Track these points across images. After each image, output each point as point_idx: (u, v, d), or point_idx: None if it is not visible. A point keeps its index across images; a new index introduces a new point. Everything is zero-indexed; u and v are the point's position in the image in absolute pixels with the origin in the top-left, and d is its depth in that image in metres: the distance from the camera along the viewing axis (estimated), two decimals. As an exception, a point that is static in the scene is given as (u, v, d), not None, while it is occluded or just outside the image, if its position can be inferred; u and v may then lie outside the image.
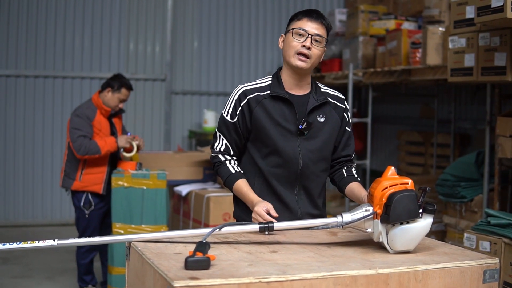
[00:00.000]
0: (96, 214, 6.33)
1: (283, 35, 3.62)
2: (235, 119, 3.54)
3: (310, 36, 3.45)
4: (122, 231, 5.95)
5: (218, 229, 2.92)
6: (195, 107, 10.70)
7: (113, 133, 6.38)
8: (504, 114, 5.98)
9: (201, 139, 9.99)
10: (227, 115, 3.57)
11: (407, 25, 8.33)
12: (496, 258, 2.83)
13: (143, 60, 10.36)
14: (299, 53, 3.46)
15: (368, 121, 8.77)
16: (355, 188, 3.58)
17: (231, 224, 2.99)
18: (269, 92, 3.52)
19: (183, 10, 10.57)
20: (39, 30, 9.67)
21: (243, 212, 3.63)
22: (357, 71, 8.41)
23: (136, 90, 10.22)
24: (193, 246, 2.60)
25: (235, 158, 3.66)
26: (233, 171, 3.59)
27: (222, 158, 3.62)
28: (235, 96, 3.56)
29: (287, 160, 3.50)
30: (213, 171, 7.43)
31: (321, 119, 3.56)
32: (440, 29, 7.14)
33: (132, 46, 10.26)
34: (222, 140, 3.61)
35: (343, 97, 3.74)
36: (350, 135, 3.74)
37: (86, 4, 9.90)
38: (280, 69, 3.65)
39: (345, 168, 3.72)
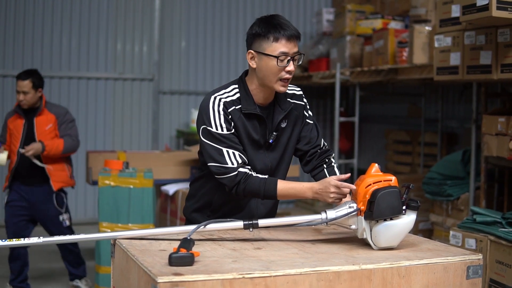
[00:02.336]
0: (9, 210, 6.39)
1: (252, 52, 3.33)
2: (232, 130, 3.32)
3: (291, 58, 3.29)
4: (109, 230, 5.93)
5: (202, 226, 2.92)
6: (182, 106, 10.68)
7: (29, 133, 6.27)
8: (490, 112, 6.00)
9: (189, 138, 9.97)
10: (221, 129, 3.28)
11: (394, 25, 8.36)
12: (480, 254, 2.85)
13: (131, 60, 10.34)
14: (284, 79, 3.31)
15: (356, 120, 8.79)
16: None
17: (216, 221, 3.00)
18: (241, 106, 3.35)
19: (171, 10, 10.56)
20: (27, 29, 9.64)
21: (200, 215, 3.56)
22: (344, 70, 8.43)
23: (124, 89, 10.23)
24: (177, 243, 2.60)
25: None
26: (264, 177, 3.30)
27: (246, 170, 3.28)
28: (218, 108, 3.31)
29: (259, 172, 3.37)
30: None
31: (283, 125, 3.47)
32: (427, 28, 7.17)
33: (119, 45, 10.24)
34: (233, 153, 3.27)
35: (300, 92, 3.63)
36: (313, 127, 3.65)
37: (74, 4, 9.87)
38: (245, 75, 3.47)
39: (325, 165, 3.65)
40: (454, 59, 5.70)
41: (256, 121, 3.37)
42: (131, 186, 5.99)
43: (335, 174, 3.57)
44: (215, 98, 3.33)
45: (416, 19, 7.57)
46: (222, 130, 3.28)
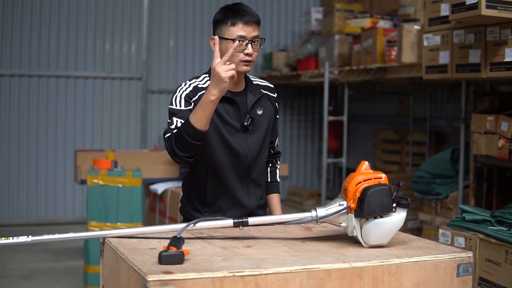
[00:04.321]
0: None
1: (214, 37, 3.43)
2: (190, 107, 3.44)
3: (249, 42, 3.45)
4: (97, 230, 5.89)
5: (192, 224, 2.91)
6: (171, 106, 10.64)
7: None
8: (478, 111, 6.01)
9: (178, 138, 9.94)
10: (180, 106, 3.46)
11: (383, 24, 8.37)
12: (470, 252, 2.84)
13: (119, 59, 10.32)
14: (244, 61, 3.46)
15: (344, 119, 8.80)
16: (272, 204, 3.90)
17: (205, 219, 2.99)
18: None
19: (159, 9, 10.55)
20: (15, 28, 9.60)
21: (196, 211, 3.67)
22: (333, 70, 8.43)
23: (112, 89, 10.21)
24: (167, 241, 2.59)
25: None
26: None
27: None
28: (185, 90, 3.51)
29: (237, 156, 3.55)
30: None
31: (259, 112, 3.65)
32: (415, 27, 7.17)
33: (108, 44, 10.22)
34: (180, 122, 3.38)
35: (272, 86, 3.85)
36: (277, 122, 3.91)
37: (62, 3, 9.84)
38: None
39: (270, 165, 3.92)
40: (443, 57, 5.71)
41: (228, 104, 3.53)
42: (120, 185, 5.97)
43: (275, 177, 3.93)
44: (186, 83, 3.57)
45: (405, 18, 7.57)
46: (180, 106, 3.46)
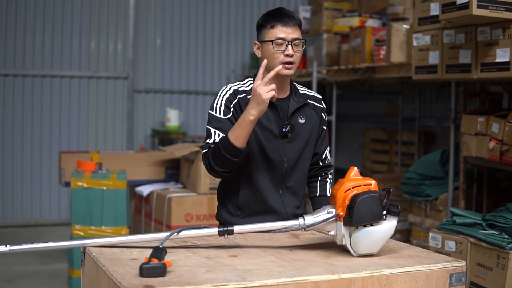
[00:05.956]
0: None
1: (257, 42, 3.55)
2: (229, 115, 3.45)
3: (289, 43, 3.42)
4: (82, 233, 5.83)
5: (176, 233, 2.82)
6: (158, 105, 10.59)
7: None
8: (469, 112, 5.96)
9: (164, 137, 9.90)
10: (219, 113, 3.46)
11: (371, 23, 8.31)
12: (463, 261, 2.77)
13: (105, 58, 10.22)
14: (285, 62, 3.42)
15: (333, 119, 8.72)
16: None
17: (189, 228, 2.89)
18: None
19: (146, 8, 10.46)
20: (-1, 27, 9.52)
21: (229, 215, 3.64)
22: (321, 69, 8.36)
23: (98, 88, 10.12)
24: (150, 252, 2.51)
25: None
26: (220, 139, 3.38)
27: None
28: (225, 94, 3.50)
29: (273, 162, 3.51)
30: (176, 171, 7.38)
31: (301, 121, 3.59)
32: (404, 26, 7.11)
33: (93, 43, 10.12)
34: (219, 134, 3.41)
35: (320, 96, 3.80)
36: (326, 135, 3.80)
37: (47, 1, 9.73)
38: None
39: (319, 180, 3.83)
40: (433, 58, 5.64)
41: (268, 109, 3.43)
42: (104, 188, 5.89)
43: (325, 191, 3.80)
44: (226, 87, 3.56)
45: (394, 17, 7.52)
46: (219, 114, 3.45)
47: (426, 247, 4.82)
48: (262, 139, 3.49)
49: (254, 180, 3.52)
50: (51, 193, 9.80)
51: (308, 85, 8.64)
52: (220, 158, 3.31)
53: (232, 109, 3.46)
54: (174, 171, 7.30)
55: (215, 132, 3.42)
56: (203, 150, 3.44)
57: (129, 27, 10.25)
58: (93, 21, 10.09)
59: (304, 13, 9.77)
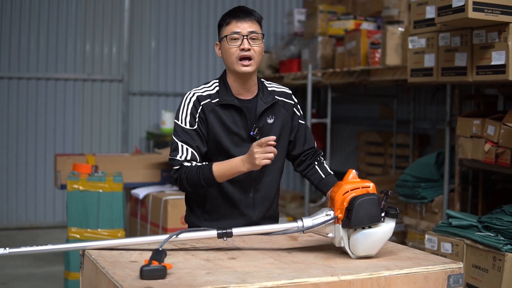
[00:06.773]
0: None
1: (218, 43, 3.52)
2: (195, 126, 3.40)
3: (245, 37, 3.37)
4: (78, 236, 5.83)
5: (175, 236, 2.82)
6: (152, 108, 10.58)
7: None
8: (464, 114, 5.97)
9: (159, 140, 9.88)
10: (185, 124, 3.40)
11: (366, 25, 8.31)
12: (460, 262, 2.78)
13: (100, 61, 10.20)
14: (241, 58, 3.38)
15: (328, 121, 8.73)
16: None
17: (188, 231, 2.90)
18: (218, 99, 3.43)
19: (140, 10, 10.45)
20: (-7, 30, 9.51)
21: (196, 218, 3.60)
22: (316, 72, 8.36)
23: (93, 91, 10.11)
24: (149, 254, 2.52)
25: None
26: (201, 164, 3.36)
27: (188, 164, 3.36)
28: (189, 103, 3.44)
29: None
30: (170, 174, 7.36)
31: (270, 121, 3.52)
32: (399, 29, 7.13)
33: (88, 46, 10.11)
34: (187, 149, 3.36)
35: (290, 91, 3.71)
36: (306, 127, 3.75)
37: (42, 4, 9.72)
38: (225, 72, 3.55)
39: (317, 163, 3.72)
40: (429, 60, 5.66)
41: (235, 112, 3.43)
42: (100, 191, 5.88)
43: (326, 170, 3.69)
44: (190, 93, 3.49)
45: (389, 20, 7.52)
46: (185, 125, 3.41)
47: (422, 249, 4.82)
48: (229, 145, 3.43)
49: (222, 185, 3.45)
50: (46, 195, 9.78)
51: (303, 88, 8.68)
52: (196, 183, 3.33)
53: (197, 119, 3.41)
54: (169, 173, 7.29)
55: (182, 146, 3.38)
56: (173, 165, 3.39)
57: (124, 30, 10.23)
58: (88, 24, 10.08)
59: (298, 15, 9.78)
